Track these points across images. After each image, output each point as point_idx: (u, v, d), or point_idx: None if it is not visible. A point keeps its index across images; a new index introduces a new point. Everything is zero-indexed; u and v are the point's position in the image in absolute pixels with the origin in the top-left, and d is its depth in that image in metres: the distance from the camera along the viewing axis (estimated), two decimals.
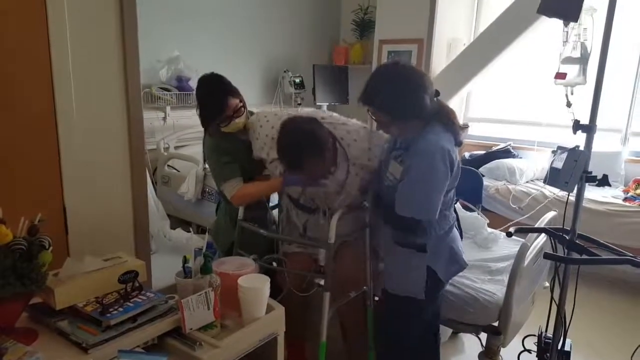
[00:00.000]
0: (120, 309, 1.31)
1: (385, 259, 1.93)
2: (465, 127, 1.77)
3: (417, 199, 1.62)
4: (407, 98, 1.60)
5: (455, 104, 4.63)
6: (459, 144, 1.67)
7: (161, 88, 3.61)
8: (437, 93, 1.69)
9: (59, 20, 1.53)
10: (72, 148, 1.62)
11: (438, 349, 2.02)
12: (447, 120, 1.65)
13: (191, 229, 3.24)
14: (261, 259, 1.88)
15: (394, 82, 1.62)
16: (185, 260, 1.50)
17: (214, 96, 1.97)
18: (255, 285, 1.44)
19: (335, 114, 2.01)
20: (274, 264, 2.07)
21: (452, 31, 4.46)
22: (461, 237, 1.94)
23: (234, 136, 2.05)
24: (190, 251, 1.57)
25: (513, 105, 4.65)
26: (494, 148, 4.45)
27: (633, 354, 1.84)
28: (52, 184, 1.59)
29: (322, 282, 2.08)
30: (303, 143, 1.66)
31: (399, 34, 4.33)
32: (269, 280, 1.47)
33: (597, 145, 4.27)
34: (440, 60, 4.38)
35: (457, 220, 1.90)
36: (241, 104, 2.01)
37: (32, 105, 1.54)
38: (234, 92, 2.01)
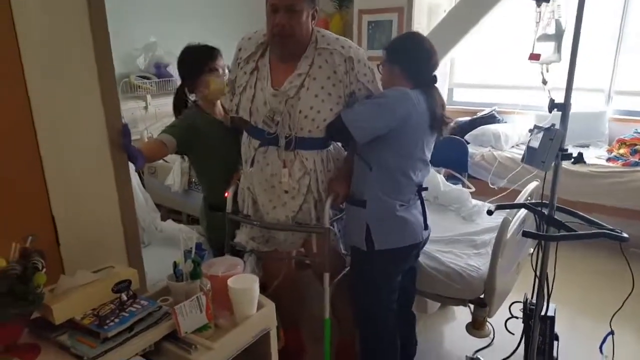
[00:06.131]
0: (117, 320, 1.36)
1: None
2: (450, 121, 1.92)
3: (359, 111, 1.80)
4: (421, 64, 1.86)
5: (440, 69, 4.62)
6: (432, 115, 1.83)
7: (140, 76, 3.58)
8: (435, 79, 1.86)
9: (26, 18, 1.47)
10: (54, 155, 1.57)
11: (386, 316, 1.98)
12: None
13: (182, 219, 3.29)
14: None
15: (421, 48, 1.88)
16: (175, 265, 1.55)
17: (202, 49, 2.14)
18: (244, 286, 1.49)
19: None
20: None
21: None
22: (425, 227, 1.99)
23: (212, 118, 2.17)
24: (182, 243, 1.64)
25: (496, 70, 4.65)
26: (479, 114, 4.48)
27: (612, 317, 1.94)
28: (38, 195, 1.59)
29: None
30: None
31: (379, 2, 4.27)
32: (258, 279, 1.53)
33: (581, 106, 4.28)
34: (421, 29, 4.33)
35: (424, 213, 1.98)
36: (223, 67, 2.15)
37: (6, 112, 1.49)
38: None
